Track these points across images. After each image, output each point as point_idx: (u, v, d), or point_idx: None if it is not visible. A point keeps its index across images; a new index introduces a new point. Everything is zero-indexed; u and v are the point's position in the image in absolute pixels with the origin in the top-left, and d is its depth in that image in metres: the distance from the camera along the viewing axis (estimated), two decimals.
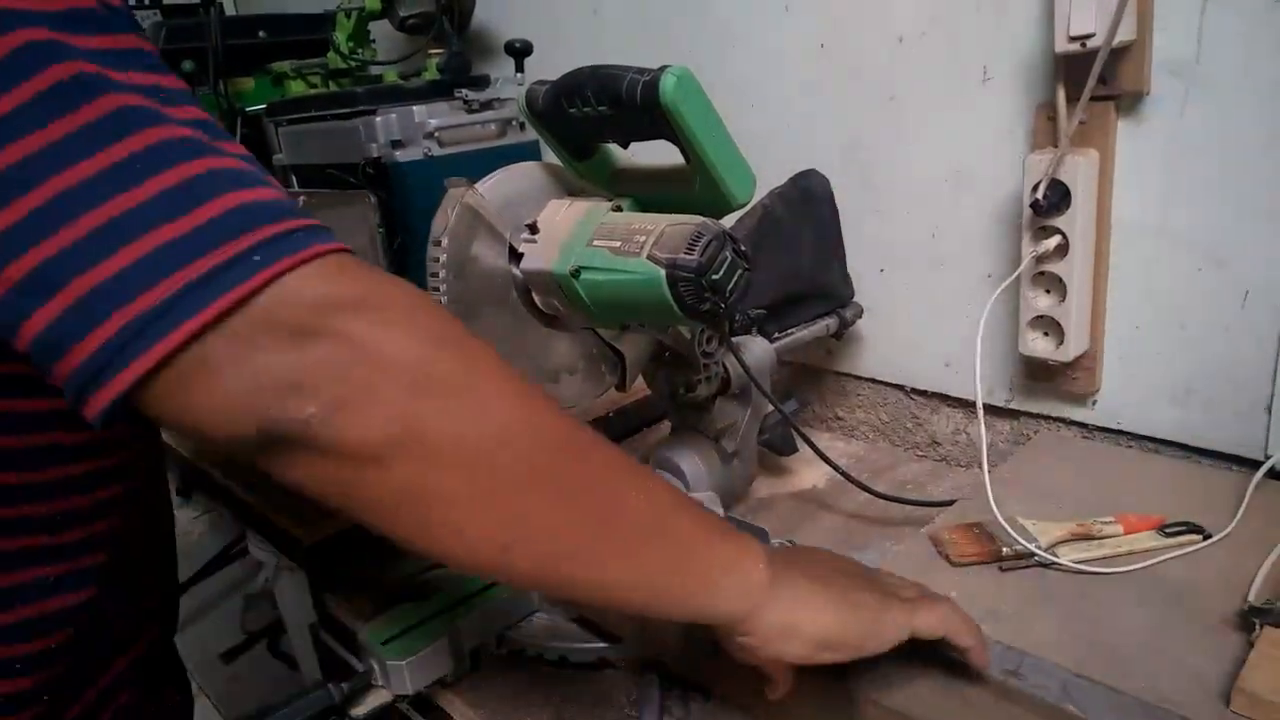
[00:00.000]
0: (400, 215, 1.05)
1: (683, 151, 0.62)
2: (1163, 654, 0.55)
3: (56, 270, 0.34)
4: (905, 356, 1.00)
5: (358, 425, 0.37)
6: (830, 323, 0.96)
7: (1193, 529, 0.68)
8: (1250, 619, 0.57)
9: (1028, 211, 0.79)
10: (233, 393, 0.35)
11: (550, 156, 0.74)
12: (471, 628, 0.73)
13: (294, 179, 1.21)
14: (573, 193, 0.71)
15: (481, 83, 1.13)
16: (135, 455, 0.54)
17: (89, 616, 0.52)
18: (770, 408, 0.85)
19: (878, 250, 0.97)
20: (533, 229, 0.67)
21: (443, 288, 0.64)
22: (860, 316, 0.99)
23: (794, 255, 0.92)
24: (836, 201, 0.94)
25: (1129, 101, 0.75)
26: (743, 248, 0.60)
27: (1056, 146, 0.76)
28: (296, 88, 1.40)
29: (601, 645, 0.72)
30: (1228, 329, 0.75)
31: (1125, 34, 0.70)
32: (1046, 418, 0.90)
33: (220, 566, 1.41)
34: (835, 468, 0.79)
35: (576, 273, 0.62)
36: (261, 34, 1.45)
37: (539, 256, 0.66)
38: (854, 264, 0.97)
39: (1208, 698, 0.52)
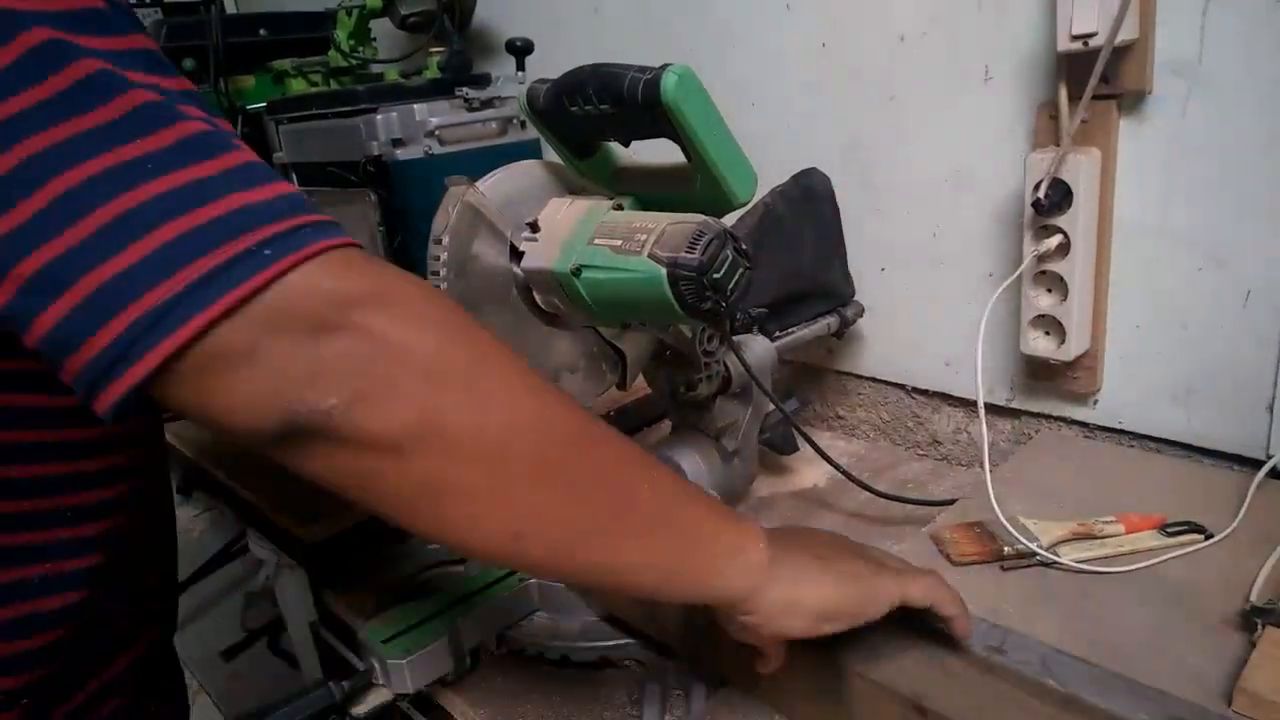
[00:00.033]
0: (401, 213, 1.05)
1: (684, 150, 0.62)
2: (1164, 654, 0.55)
3: (67, 266, 0.35)
4: (906, 355, 1.00)
5: (378, 417, 0.37)
6: (831, 321, 0.96)
7: (1194, 529, 0.68)
8: (1252, 619, 0.57)
9: (1029, 211, 0.78)
10: (252, 385, 0.36)
11: (551, 155, 0.74)
12: (472, 627, 0.73)
13: (294, 177, 1.21)
14: (574, 191, 0.71)
15: (482, 81, 1.12)
16: (139, 455, 0.54)
17: (88, 614, 0.52)
18: (771, 406, 0.85)
19: (879, 249, 0.97)
20: (534, 227, 0.67)
21: (444, 286, 0.64)
22: (861, 315, 0.99)
23: (795, 254, 0.92)
24: (837, 200, 0.94)
25: (1131, 101, 0.75)
26: (744, 246, 0.59)
27: (1058, 145, 0.76)
28: (297, 86, 1.40)
29: (601, 645, 0.73)
30: (1229, 329, 0.75)
31: (1127, 33, 0.70)
32: (1048, 417, 0.90)
33: (221, 564, 1.41)
34: (836, 467, 0.79)
35: (577, 271, 0.62)
36: (262, 32, 1.45)
37: (540, 255, 0.66)
38: (855, 263, 0.97)
39: (1209, 698, 0.52)
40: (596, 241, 0.63)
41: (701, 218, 0.59)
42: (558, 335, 0.70)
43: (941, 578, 0.55)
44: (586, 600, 0.75)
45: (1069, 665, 0.52)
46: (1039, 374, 0.88)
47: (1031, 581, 0.66)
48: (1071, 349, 0.81)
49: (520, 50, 1.09)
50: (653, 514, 0.46)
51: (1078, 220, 0.77)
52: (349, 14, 1.33)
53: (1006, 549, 0.68)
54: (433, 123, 1.04)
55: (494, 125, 1.11)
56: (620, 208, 0.67)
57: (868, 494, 0.81)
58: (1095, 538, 0.68)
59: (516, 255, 0.68)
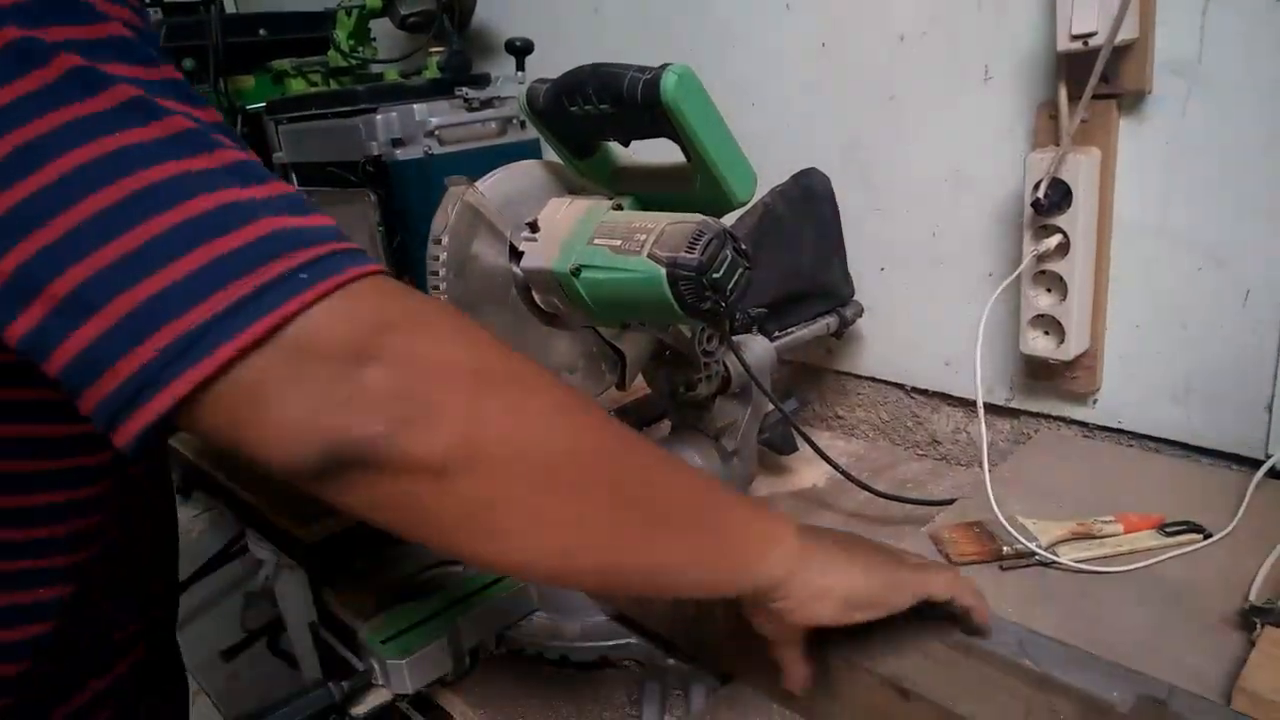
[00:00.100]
0: (400, 214, 1.05)
1: (683, 150, 0.62)
2: (1163, 653, 0.55)
3: (98, 288, 0.34)
4: (905, 355, 1.00)
5: (423, 441, 0.37)
6: (830, 321, 0.96)
7: (1193, 528, 0.68)
8: (1251, 618, 0.57)
9: (1029, 210, 0.78)
10: (291, 415, 0.35)
11: (551, 155, 0.74)
12: (471, 627, 0.73)
13: (294, 177, 1.21)
14: (573, 191, 0.71)
15: (482, 81, 1.12)
16: (140, 466, 0.54)
17: (81, 613, 0.52)
18: (770, 406, 0.85)
19: (878, 249, 0.97)
20: (533, 227, 0.67)
21: (443, 286, 0.63)
22: (860, 315, 0.99)
23: (795, 254, 0.92)
24: (837, 200, 0.94)
25: (1131, 100, 0.75)
26: (743, 246, 0.59)
27: (1058, 145, 0.76)
28: (297, 86, 1.40)
29: (601, 645, 0.73)
30: (1228, 328, 0.75)
31: (1127, 33, 0.70)
32: (1047, 417, 0.90)
33: (220, 564, 1.41)
34: (835, 467, 0.79)
35: (577, 271, 0.62)
36: (262, 32, 1.45)
37: (539, 255, 0.66)
38: (854, 263, 0.97)
39: (1208, 697, 0.52)
40: (596, 241, 0.63)
41: (701, 217, 0.59)
42: (557, 335, 0.70)
43: (959, 572, 0.56)
44: (596, 602, 0.75)
45: (1044, 646, 0.54)
46: (1038, 374, 0.88)
47: (1030, 581, 0.66)
48: (1071, 349, 0.81)
49: (520, 50, 1.09)
50: (690, 513, 0.47)
51: (1077, 220, 0.77)
52: (349, 14, 1.33)
53: (1005, 549, 0.68)
54: (432, 123, 1.04)
55: (494, 125, 1.11)
56: (620, 208, 0.67)
57: (867, 494, 0.82)
58: (1094, 537, 0.68)
59: (516, 255, 0.68)
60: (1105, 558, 0.66)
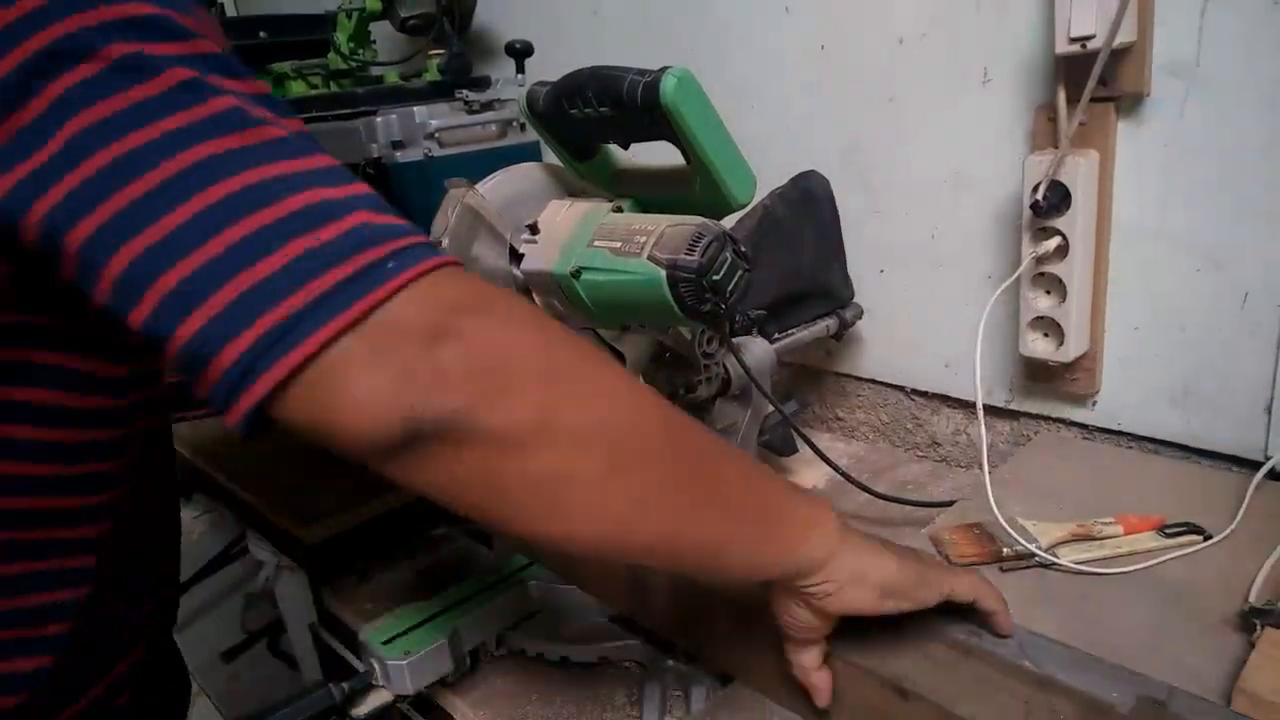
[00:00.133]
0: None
1: (683, 152, 0.62)
2: (1163, 654, 0.55)
3: (203, 280, 0.36)
4: (905, 357, 1.00)
5: (500, 414, 0.39)
6: (830, 323, 0.96)
7: (1193, 530, 0.68)
8: (1251, 620, 0.57)
9: (1028, 212, 0.79)
10: (376, 393, 0.37)
11: (551, 157, 0.74)
12: (472, 628, 0.73)
13: None
14: (573, 193, 0.71)
15: (482, 83, 1.13)
16: (147, 457, 0.55)
17: (90, 614, 0.53)
18: (770, 408, 0.85)
19: (878, 251, 0.98)
20: (533, 230, 0.67)
21: None
22: (860, 317, 0.99)
23: (794, 256, 0.92)
24: (836, 202, 0.94)
25: (1129, 103, 0.75)
26: (743, 248, 0.60)
27: (1057, 147, 0.76)
28: (297, 88, 1.40)
29: (601, 646, 0.73)
30: (1227, 330, 0.75)
31: (1125, 35, 0.71)
32: (1046, 418, 0.90)
33: (220, 566, 1.41)
34: (835, 468, 0.79)
35: (577, 273, 0.62)
36: (262, 34, 1.44)
37: (539, 257, 0.66)
38: (854, 265, 0.97)
39: (1208, 698, 0.52)
40: (596, 244, 0.63)
41: (700, 220, 0.60)
42: None
43: (984, 576, 0.56)
44: (597, 603, 0.75)
45: (1045, 647, 0.54)
46: (1038, 375, 0.88)
47: (1031, 583, 0.66)
48: (1070, 350, 0.81)
49: (520, 52, 1.09)
50: (741, 491, 0.48)
51: (1076, 222, 0.77)
52: (349, 16, 1.33)
53: (1005, 550, 0.68)
54: (432, 125, 1.04)
55: (494, 128, 1.11)
56: (620, 210, 0.67)
57: (867, 495, 0.82)
58: (1094, 539, 0.68)
59: (516, 257, 0.68)
60: (1105, 559, 0.66)
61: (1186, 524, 0.68)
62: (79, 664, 0.53)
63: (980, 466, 0.76)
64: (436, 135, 1.05)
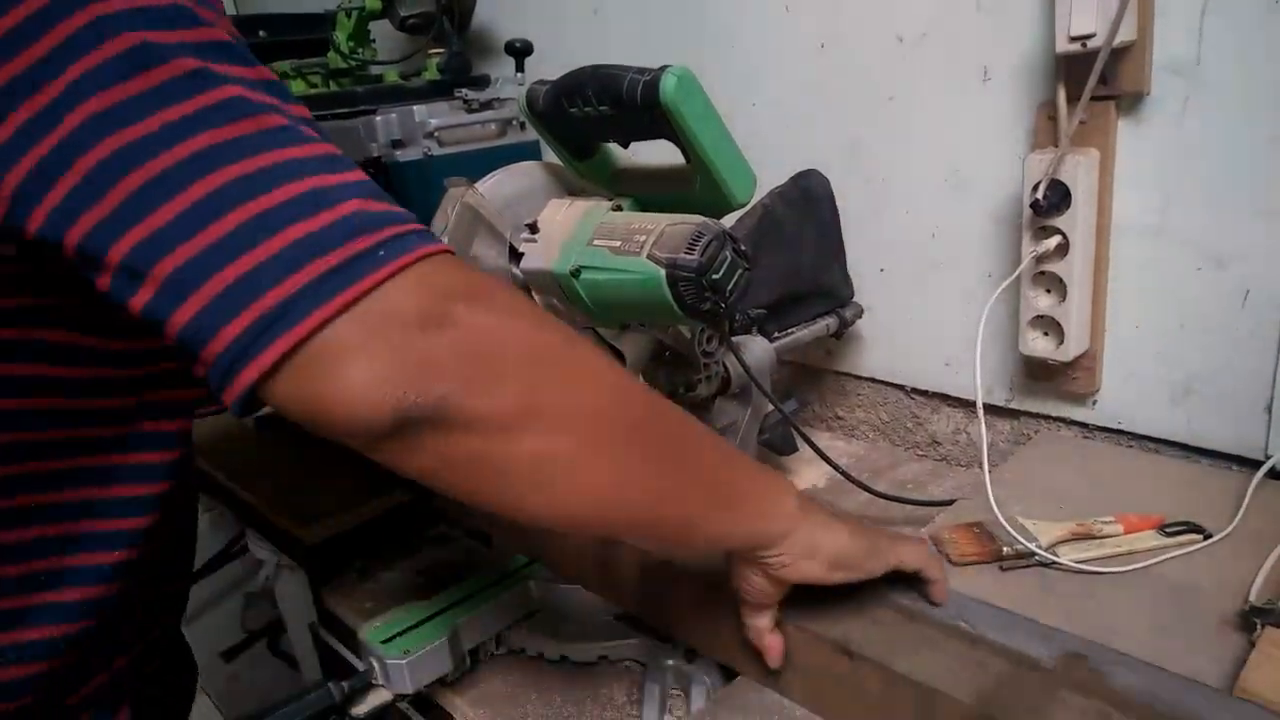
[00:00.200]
0: None
1: (683, 151, 0.62)
2: (1163, 654, 0.55)
3: (202, 266, 0.37)
4: (905, 356, 1.00)
5: (487, 399, 0.40)
6: (830, 322, 0.96)
7: (1193, 529, 0.68)
8: (1251, 619, 0.57)
9: (1028, 211, 0.79)
10: (367, 377, 0.38)
11: (550, 156, 0.74)
12: (471, 627, 0.73)
13: None
14: (573, 192, 0.71)
15: (482, 82, 1.12)
16: (176, 454, 0.55)
17: (127, 581, 0.54)
18: (770, 407, 0.85)
19: (878, 250, 0.97)
20: (533, 228, 0.67)
21: None
22: (860, 316, 0.99)
23: (794, 255, 0.92)
24: (836, 201, 0.94)
25: (1129, 101, 0.75)
26: (743, 247, 0.60)
27: (1057, 146, 0.76)
28: (297, 87, 1.40)
29: (601, 645, 0.73)
30: (1228, 329, 0.75)
31: (1126, 34, 0.70)
32: (1047, 417, 0.90)
33: (220, 565, 1.41)
34: (835, 467, 0.79)
35: (577, 272, 0.62)
36: (262, 34, 1.44)
37: (539, 256, 0.66)
38: (854, 264, 0.97)
39: None
40: (595, 242, 0.63)
41: (700, 219, 0.60)
42: None
43: (929, 545, 0.60)
44: (599, 603, 0.75)
45: (980, 610, 0.59)
46: (1038, 374, 0.88)
47: (1031, 582, 0.66)
48: (1070, 349, 0.81)
49: (519, 51, 1.09)
50: (713, 470, 0.51)
51: (1076, 221, 0.77)
52: (348, 15, 1.33)
53: (1006, 549, 0.68)
54: (432, 124, 1.04)
55: (493, 126, 1.11)
56: (619, 209, 0.67)
57: (867, 495, 0.81)
58: (1094, 538, 0.68)
59: (516, 256, 0.68)
60: (1105, 558, 0.66)
61: (1186, 523, 0.68)
62: (110, 630, 0.54)
63: (980, 465, 0.76)
64: (436, 134, 1.04)
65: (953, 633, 0.56)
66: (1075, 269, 0.79)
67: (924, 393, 1.00)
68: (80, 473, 0.50)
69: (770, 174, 0.87)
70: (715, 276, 0.58)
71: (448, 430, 0.39)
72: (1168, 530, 0.68)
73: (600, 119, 0.62)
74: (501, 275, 0.67)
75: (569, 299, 0.65)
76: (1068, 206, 0.77)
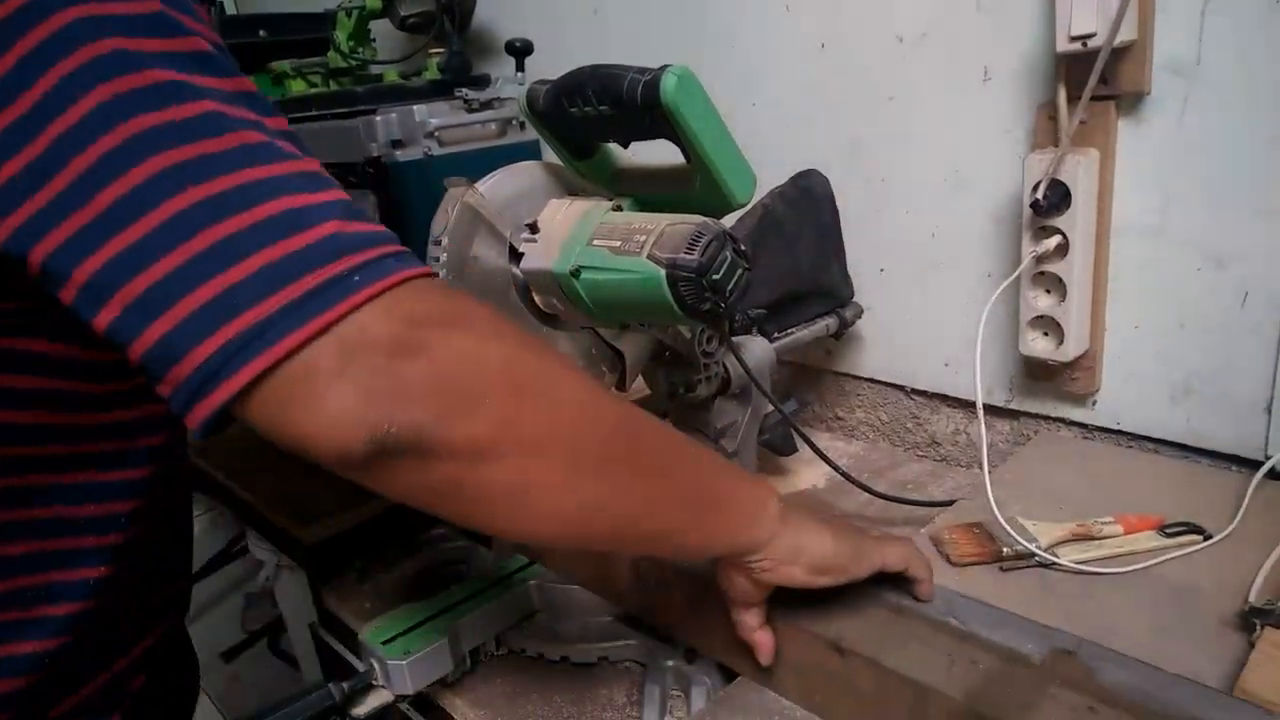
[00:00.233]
0: (400, 215, 1.05)
1: (683, 151, 0.62)
2: (1163, 654, 0.55)
3: (171, 287, 0.36)
4: (905, 356, 1.00)
5: (464, 427, 0.40)
6: (830, 323, 0.96)
7: (1193, 529, 0.68)
8: (1251, 619, 0.57)
9: (1028, 211, 0.79)
10: (341, 404, 0.37)
11: (550, 156, 0.74)
12: (471, 628, 0.73)
13: None
14: (573, 192, 0.71)
15: (482, 82, 1.12)
16: (165, 464, 0.55)
17: (108, 591, 0.53)
18: (770, 407, 0.85)
19: (878, 250, 0.97)
20: (533, 228, 0.67)
21: None
22: (860, 316, 0.99)
23: (794, 255, 0.92)
24: (836, 201, 0.94)
25: (1130, 101, 0.75)
26: (743, 247, 0.59)
27: (1057, 146, 0.76)
28: (297, 87, 1.40)
29: (601, 646, 0.73)
30: (1227, 329, 0.75)
31: (1126, 34, 0.70)
32: (1046, 418, 0.90)
33: (220, 565, 1.41)
34: (835, 468, 0.79)
35: (577, 272, 0.62)
36: (262, 33, 1.44)
37: (539, 256, 0.66)
38: (854, 264, 0.97)
39: None
40: (595, 242, 0.63)
41: (700, 219, 0.59)
42: (557, 336, 0.70)
43: (915, 546, 0.61)
44: (600, 603, 0.75)
45: (970, 607, 0.59)
46: (1038, 375, 0.88)
47: (1030, 582, 0.66)
48: (1070, 350, 0.81)
49: (520, 51, 1.09)
50: (693, 482, 0.51)
51: (1076, 221, 0.77)
52: (348, 15, 1.33)
53: (1005, 550, 0.68)
54: (432, 124, 1.04)
55: (493, 126, 1.11)
56: (619, 209, 0.67)
57: (867, 495, 0.82)
58: (1094, 538, 0.68)
59: (516, 256, 0.68)
60: (1105, 559, 0.66)
61: (1186, 524, 0.68)
62: (95, 643, 0.54)
63: (980, 466, 0.76)
64: (436, 134, 1.04)
65: (943, 629, 0.57)
66: (1075, 269, 0.79)
67: (924, 393, 1.00)
68: (62, 489, 0.49)
69: (770, 174, 0.87)
70: (715, 276, 0.57)
71: (423, 457, 0.39)
72: (1168, 531, 0.68)
73: (600, 119, 0.62)
74: (501, 275, 0.67)
75: (569, 299, 0.65)
76: (1068, 206, 0.77)
